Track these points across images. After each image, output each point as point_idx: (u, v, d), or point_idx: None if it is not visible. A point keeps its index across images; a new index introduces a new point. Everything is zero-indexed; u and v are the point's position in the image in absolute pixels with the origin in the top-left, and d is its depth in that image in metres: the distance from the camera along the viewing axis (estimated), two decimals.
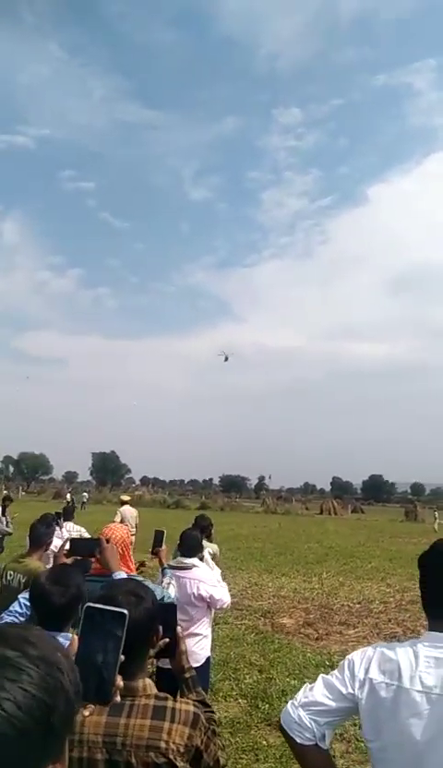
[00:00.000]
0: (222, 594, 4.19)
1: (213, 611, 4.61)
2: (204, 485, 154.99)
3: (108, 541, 2.84)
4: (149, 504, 53.51)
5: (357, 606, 10.04)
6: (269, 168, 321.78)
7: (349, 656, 1.59)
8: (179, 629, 1.77)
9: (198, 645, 4.08)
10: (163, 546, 3.81)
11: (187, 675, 1.78)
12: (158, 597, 3.23)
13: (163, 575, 3.72)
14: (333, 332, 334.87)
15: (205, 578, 4.15)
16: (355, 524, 37.81)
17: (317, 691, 1.54)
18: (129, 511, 12.29)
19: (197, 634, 4.09)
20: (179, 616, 3.99)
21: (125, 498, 12.93)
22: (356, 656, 1.57)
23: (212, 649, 6.57)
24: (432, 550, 1.62)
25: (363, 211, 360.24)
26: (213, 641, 6.99)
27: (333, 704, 1.51)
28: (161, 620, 1.67)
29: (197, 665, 4.01)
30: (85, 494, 46.29)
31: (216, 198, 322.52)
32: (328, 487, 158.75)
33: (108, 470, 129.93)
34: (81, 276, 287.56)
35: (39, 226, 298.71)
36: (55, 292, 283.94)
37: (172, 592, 3.54)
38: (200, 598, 4.06)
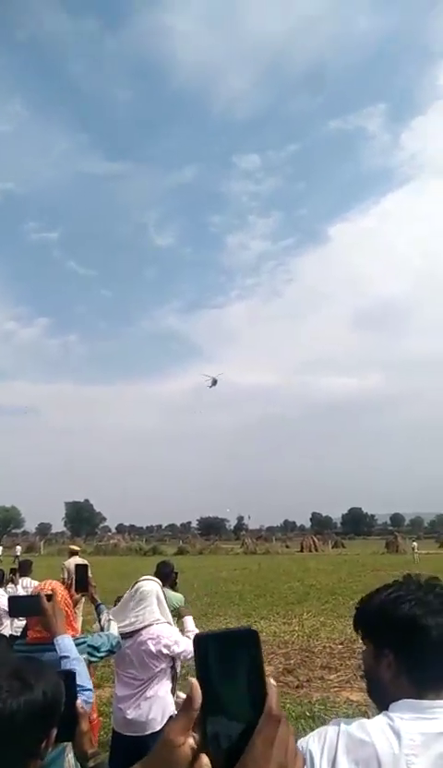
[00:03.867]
0: (184, 647, 3.80)
1: (177, 670, 4.18)
2: (182, 529, 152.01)
3: (50, 598, 2.46)
4: (125, 552, 52.00)
5: (340, 646, 9.61)
6: (231, 212, 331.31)
7: (303, 743, 1.14)
8: (80, 702, 1.39)
9: (156, 709, 3.66)
10: (92, 582, 3.41)
11: (91, 764, 1.42)
12: (103, 650, 2.88)
13: (99, 612, 3.30)
14: (304, 369, 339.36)
15: (166, 633, 3.77)
16: (336, 560, 37.15)
17: None
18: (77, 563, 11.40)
19: (150, 697, 3.67)
20: (134, 674, 3.64)
21: (74, 548, 11.91)
22: (314, 744, 1.13)
23: None
24: (379, 600, 1.33)
25: (325, 250, 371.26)
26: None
27: None
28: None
29: (154, 730, 3.60)
30: (18, 547, 43.03)
31: (180, 244, 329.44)
32: (308, 523, 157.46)
33: (82, 519, 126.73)
34: (49, 325, 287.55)
35: (3, 278, 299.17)
36: (23, 341, 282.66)
37: (114, 629, 3.15)
38: (159, 654, 3.66)
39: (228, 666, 0.56)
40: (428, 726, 1.10)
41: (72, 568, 11.18)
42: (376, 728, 1.11)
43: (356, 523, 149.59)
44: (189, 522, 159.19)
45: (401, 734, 1.08)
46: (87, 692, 2.23)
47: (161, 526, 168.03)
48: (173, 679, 4.00)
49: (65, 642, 2.33)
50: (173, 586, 5.49)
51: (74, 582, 3.26)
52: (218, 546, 59.21)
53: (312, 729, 1.22)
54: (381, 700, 1.24)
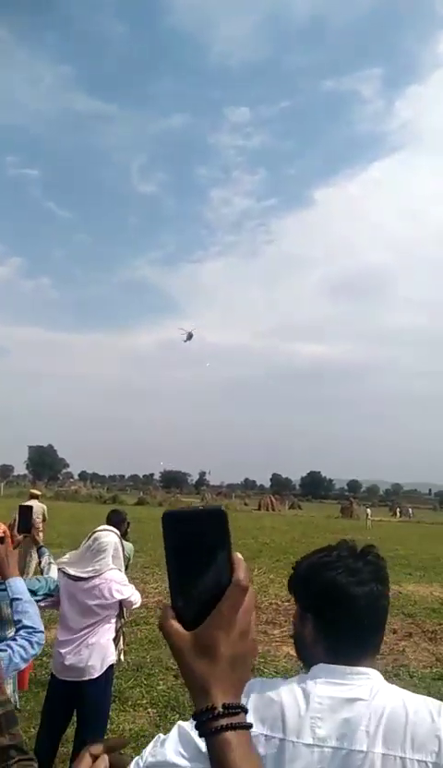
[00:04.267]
0: (133, 591, 3.81)
1: (123, 618, 4.19)
2: (144, 480, 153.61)
3: (2, 540, 2.38)
4: (86, 499, 52.24)
5: (286, 603, 9.85)
6: (217, 165, 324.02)
7: None
8: None
9: (96, 656, 3.64)
10: (40, 525, 3.34)
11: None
12: (40, 593, 2.83)
13: (40, 555, 3.25)
14: (276, 331, 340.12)
15: (117, 578, 3.75)
16: (292, 520, 38.07)
17: (170, 747, 1.11)
18: (35, 507, 11.38)
19: (91, 644, 3.65)
20: (78, 619, 3.62)
21: (35, 491, 11.97)
22: None
23: (127, 653, 6.21)
24: (309, 564, 1.27)
25: (308, 213, 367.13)
26: (129, 644, 6.62)
27: (188, 765, 1.07)
28: None
29: (92, 677, 3.60)
30: None
31: (163, 193, 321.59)
32: (267, 483, 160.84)
33: (45, 464, 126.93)
34: (23, 265, 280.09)
35: None
36: None
37: (53, 573, 3.09)
38: (109, 597, 3.63)
39: (196, 542, 0.59)
40: (339, 691, 1.09)
41: None
42: (287, 689, 1.12)
43: (315, 486, 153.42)
44: (152, 474, 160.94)
45: (310, 696, 1.08)
46: (39, 634, 2.27)
47: (123, 476, 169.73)
48: (117, 630, 4.00)
49: (18, 585, 2.33)
50: (124, 535, 5.45)
51: (17, 523, 3.15)
52: (178, 500, 59.94)
53: None
54: (305, 661, 1.25)
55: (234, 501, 61.28)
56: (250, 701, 1.10)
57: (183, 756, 1.09)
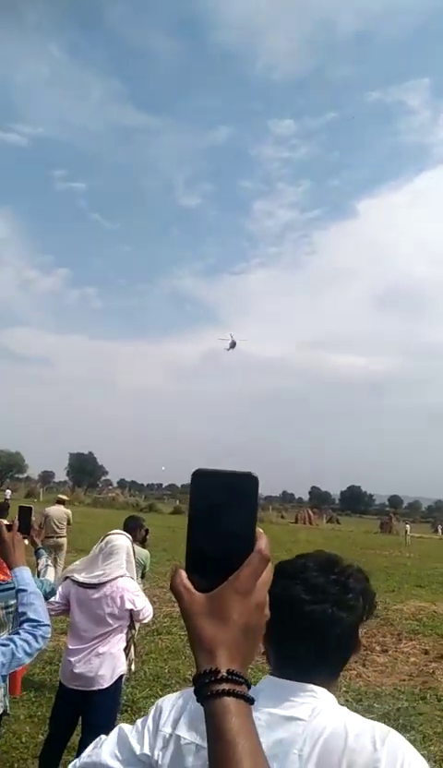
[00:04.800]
0: (146, 604, 3.72)
1: (135, 630, 4.11)
2: (182, 489, 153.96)
3: (9, 528, 2.32)
4: (122, 507, 52.64)
5: None
6: (260, 178, 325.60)
7: (160, 701, 1.12)
8: None
9: (106, 666, 3.57)
10: (36, 526, 3.27)
11: None
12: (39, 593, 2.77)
13: (38, 557, 3.18)
14: (317, 343, 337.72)
15: (130, 587, 3.68)
16: (329, 534, 37.42)
17: (107, 749, 1.06)
18: (57, 511, 11.17)
19: (102, 653, 3.56)
20: (90, 628, 3.55)
21: (62, 497, 12.11)
22: (167, 702, 1.09)
23: (146, 662, 6.13)
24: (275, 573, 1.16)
25: (352, 225, 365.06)
26: (149, 653, 6.54)
27: None
28: None
29: (101, 687, 3.52)
30: (8, 491, 41.62)
31: (207, 205, 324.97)
32: (306, 497, 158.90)
33: (85, 471, 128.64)
34: (69, 276, 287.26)
35: (28, 224, 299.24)
36: (42, 290, 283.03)
37: (50, 576, 3.03)
38: (121, 608, 3.56)
39: (223, 504, 0.57)
40: (279, 708, 0.98)
41: (52, 513, 11.10)
42: None
43: (354, 501, 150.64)
44: (189, 484, 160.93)
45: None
46: (44, 628, 2.16)
47: (161, 485, 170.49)
48: (128, 640, 3.93)
49: (24, 575, 2.22)
50: (143, 542, 5.37)
51: (19, 523, 3.09)
52: None
53: None
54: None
55: (271, 513, 60.73)
56: (187, 707, 1.03)
57: (117, 759, 1.04)
